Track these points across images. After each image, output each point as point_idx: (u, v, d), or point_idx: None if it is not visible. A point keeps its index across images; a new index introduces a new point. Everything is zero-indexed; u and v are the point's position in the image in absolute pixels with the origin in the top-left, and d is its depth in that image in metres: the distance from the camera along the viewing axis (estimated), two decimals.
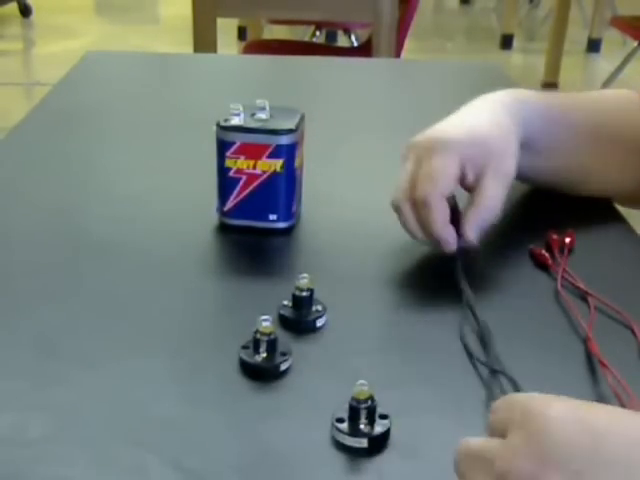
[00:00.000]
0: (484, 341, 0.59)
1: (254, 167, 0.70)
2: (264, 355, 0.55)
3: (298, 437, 0.50)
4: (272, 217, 0.72)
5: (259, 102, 0.71)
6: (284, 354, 0.55)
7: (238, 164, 0.70)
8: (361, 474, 0.48)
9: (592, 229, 0.76)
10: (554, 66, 3.83)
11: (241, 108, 0.71)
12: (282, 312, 0.60)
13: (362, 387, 0.49)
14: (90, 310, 0.62)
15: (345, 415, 0.49)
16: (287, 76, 1.25)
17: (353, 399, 0.49)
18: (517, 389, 0.53)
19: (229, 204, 0.72)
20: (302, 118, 0.73)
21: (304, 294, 0.60)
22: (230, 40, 4.14)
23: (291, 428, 0.51)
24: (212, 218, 0.76)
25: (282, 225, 0.72)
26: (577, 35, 4.39)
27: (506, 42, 4.53)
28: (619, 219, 0.79)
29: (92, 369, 0.55)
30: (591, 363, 0.57)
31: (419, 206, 0.65)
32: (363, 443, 0.49)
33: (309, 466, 0.48)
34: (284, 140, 0.69)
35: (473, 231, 0.66)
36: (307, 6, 2.00)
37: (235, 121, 0.70)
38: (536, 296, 0.66)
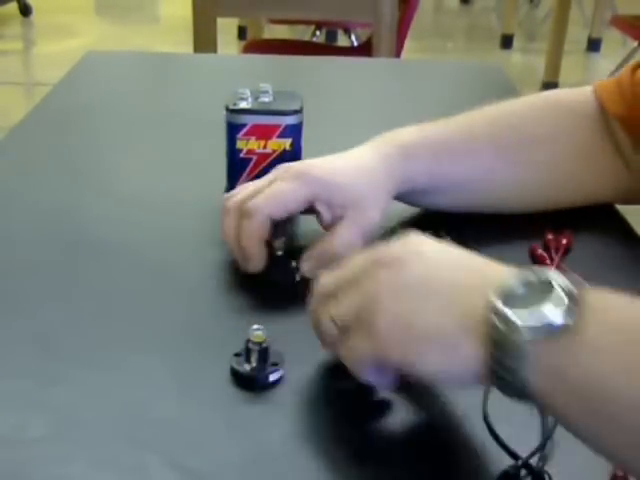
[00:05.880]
0: None
1: (265, 147, 0.74)
2: (254, 364, 0.54)
3: (298, 437, 0.50)
4: None
5: (263, 86, 0.75)
6: (275, 364, 0.54)
7: (249, 145, 0.74)
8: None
9: (592, 229, 0.76)
10: (554, 66, 3.83)
11: (248, 92, 0.75)
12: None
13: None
14: (90, 310, 0.62)
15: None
16: (287, 76, 1.25)
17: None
18: None
19: (240, 183, 0.73)
20: (302, 100, 0.76)
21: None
22: (230, 40, 4.15)
23: (291, 428, 0.51)
24: (212, 219, 0.76)
25: None
26: (577, 35, 4.40)
27: (506, 42, 4.54)
28: (619, 219, 0.79)
29: (92, 369, 0.55)
30: None
31: (243, 215, 0.64)
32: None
33: (309, 466, 0.48)
34: (293, 120, 0.74)
35: (306, 263, 0.64)
36: (307, 6, 2.00)
37: (244, 104, 0.74)
38: None
